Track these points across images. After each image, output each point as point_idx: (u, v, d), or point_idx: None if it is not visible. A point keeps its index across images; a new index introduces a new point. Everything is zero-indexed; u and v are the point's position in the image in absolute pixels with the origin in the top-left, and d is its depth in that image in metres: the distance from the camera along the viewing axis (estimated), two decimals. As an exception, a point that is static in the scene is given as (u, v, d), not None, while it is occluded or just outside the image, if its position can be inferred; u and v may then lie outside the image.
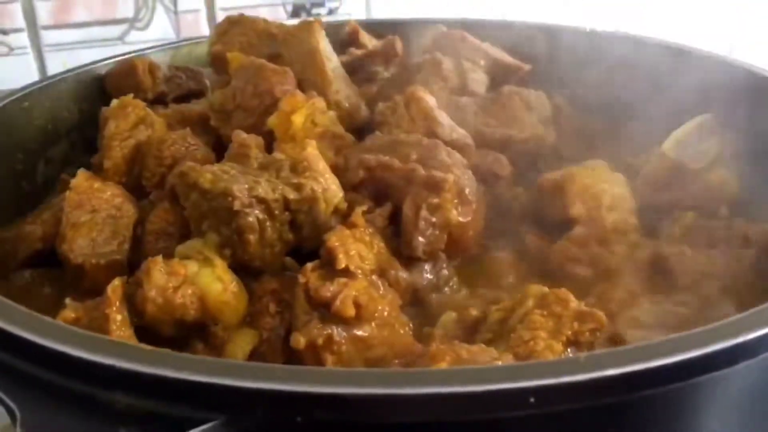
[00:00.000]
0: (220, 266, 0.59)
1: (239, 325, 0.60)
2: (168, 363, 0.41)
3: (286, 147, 0.70)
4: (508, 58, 0.93)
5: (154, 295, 0.56)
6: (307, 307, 0.57)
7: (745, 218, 0.73)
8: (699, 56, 0.91)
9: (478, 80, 0.89)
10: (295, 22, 1.17)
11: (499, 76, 0.91)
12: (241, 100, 0.76)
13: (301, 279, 0.58)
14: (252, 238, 0.60)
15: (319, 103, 0.74)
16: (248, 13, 1.16)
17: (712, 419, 0.46)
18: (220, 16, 1.17)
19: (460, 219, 0.67)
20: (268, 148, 0.70)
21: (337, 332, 0.55)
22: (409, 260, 0.66)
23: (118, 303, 0.55)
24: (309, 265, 0.59)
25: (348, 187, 0.68)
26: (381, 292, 0.60)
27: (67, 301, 0.57)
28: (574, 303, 0.57)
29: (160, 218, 0.67)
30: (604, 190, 0.74)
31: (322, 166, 0.66)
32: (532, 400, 0.39)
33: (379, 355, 0.57)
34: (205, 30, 1.17)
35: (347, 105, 0.81)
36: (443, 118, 0.77)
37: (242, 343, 0.59)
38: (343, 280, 0.57)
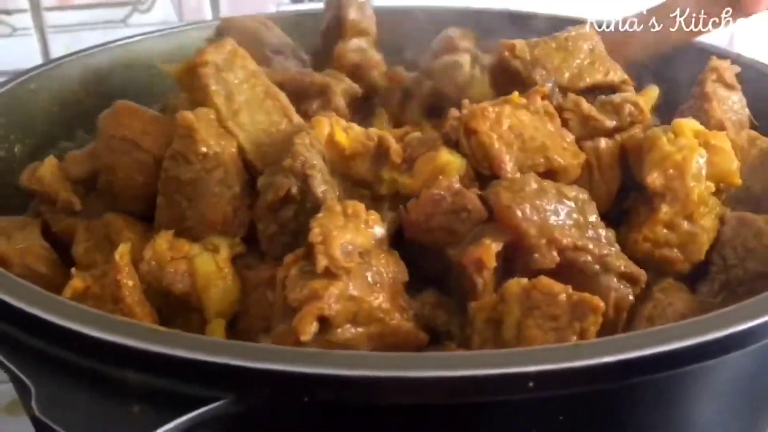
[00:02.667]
0: (223, 255, 0.60)
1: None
2: (180, 343, 0.42)
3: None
4: None
5: (149, 257, 0.58)
6: (285, 308, 0.50)
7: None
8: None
9: None
10: (297, 8, 1.18)
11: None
12: None
13: (279, 274, 0.51)
14: None
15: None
16: (251, -4, 1.16)
17: (705, 406, 0.48)
18: (224, 2, 1.17)
19: None
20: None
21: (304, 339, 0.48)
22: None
23: (127, 269, 0.56)
24: (290, 257, 0.52)
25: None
26: (370, 281, 0.51)
27: (74, 270, 0.57)
28: (561, 294, 0.49)
29: None
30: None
31: None
32: (531, 384, 0.40)
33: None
34: (208, 14, 1.17)
35: None
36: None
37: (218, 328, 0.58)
38: (317, 284, 0.49)
